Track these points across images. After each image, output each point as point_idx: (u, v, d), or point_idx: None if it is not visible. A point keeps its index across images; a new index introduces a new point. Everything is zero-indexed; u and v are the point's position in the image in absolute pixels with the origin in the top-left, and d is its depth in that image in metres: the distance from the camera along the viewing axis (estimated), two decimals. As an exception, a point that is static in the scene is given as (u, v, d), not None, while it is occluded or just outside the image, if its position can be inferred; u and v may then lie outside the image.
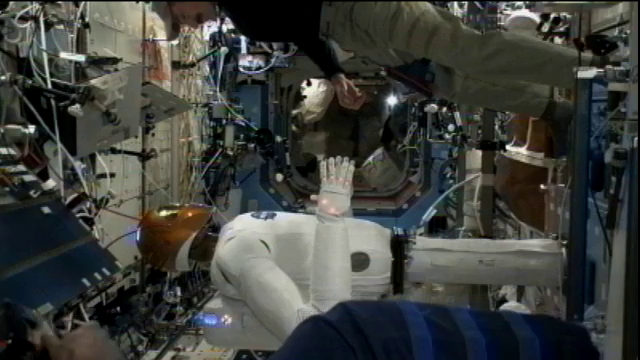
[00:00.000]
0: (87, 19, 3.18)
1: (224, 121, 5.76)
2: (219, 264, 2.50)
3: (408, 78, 3.25)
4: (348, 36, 3.00)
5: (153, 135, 4.35)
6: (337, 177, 2.48)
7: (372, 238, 2.71)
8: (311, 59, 3.41)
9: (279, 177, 6.74)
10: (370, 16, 2.87)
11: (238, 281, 2.42)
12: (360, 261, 2.56)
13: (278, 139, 6.67)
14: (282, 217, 2.80)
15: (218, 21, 5.06)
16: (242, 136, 6.07)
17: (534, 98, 3.14)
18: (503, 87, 3.16)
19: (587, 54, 2.61)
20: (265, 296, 2.35)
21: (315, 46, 3.28)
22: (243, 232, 2.58)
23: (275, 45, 6.26)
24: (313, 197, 2.52)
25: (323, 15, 2.94)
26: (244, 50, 6.34)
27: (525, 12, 3.58)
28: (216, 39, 5.61)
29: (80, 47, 3.18)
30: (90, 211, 3.00)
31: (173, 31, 3.15)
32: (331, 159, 2.51)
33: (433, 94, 3.42)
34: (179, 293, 4.42)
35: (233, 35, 5.89)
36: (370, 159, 8.53)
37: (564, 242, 2.57)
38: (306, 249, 2.50)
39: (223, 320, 2.53)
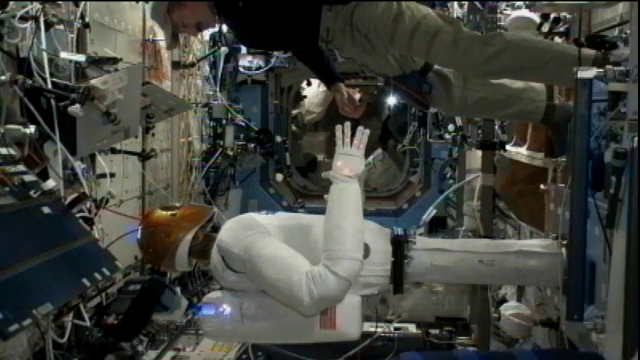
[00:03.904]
0: (87, 19, 3.18)
1: (224, 121, 5.76)
2: (220, 247, 2.50)
3: (405, 88, 3.24)
4: (348, 42, 2.99)
5: (153, 135, 4.35)
6: (352, 140, 2.49)
7: (373, 230, 2.72)
8: (310, 69, 3.41)
9: (279, 177, 6.75)
10: (371, 20, 2.87)
11: (243, 259, 2.41)
12: None
13: (278, 139, 6.68)
14: (283, 213, 2.85)
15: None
16: (242, 136, 6.07)
17: (531, 103, 3.13)
18: (502, 95, 3.15)
19: (590, 51, 2.61)
20: (271, 266, 2.34)
21: (314, 55, 3.27)
22: (241, 215, 2.63)
23: (275, 46, 6.26)
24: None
25: (323, 21, 2.93)
26: (244, 50, 6.34)
27: (525, 12, 3.58)
28: (216, 39, 5.61)
29: (80, 47, 3.19)
30: (90, 211, 3.00)
31: (172, 40, 3.13)
32: (347, 122, 2.51)
33: (430, 106, 3.41)
34: (179, 293, 4.41)
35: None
36: (370, 159, 8.47)
37: (564, 242, 2.57)
38: (309, 235, 2.50)
39: (222, 310, 2.52)
